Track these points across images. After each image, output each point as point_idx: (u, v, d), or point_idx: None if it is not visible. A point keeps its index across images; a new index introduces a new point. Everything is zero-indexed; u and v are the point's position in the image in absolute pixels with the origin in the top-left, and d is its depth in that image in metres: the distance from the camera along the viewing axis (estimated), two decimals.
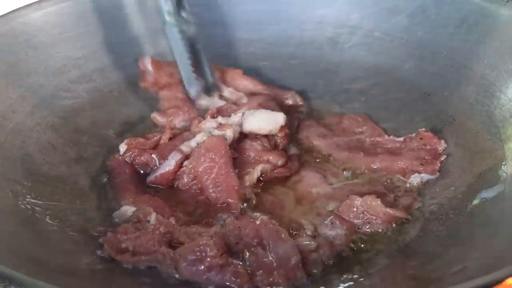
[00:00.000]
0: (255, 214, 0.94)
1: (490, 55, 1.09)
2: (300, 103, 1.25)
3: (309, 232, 0.92)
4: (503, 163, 0.96)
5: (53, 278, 0.77)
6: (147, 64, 1.25)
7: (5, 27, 1.10)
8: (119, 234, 0.89)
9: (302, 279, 0.85)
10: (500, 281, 0.65)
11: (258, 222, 0.90)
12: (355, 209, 0.95)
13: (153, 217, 0.91)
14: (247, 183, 1.03)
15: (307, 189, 1.04)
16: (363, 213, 0.95)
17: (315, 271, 0.87)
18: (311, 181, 1.06)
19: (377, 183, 1.05)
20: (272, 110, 1.14)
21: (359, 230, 0.95)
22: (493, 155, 0.99)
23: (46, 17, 1.15)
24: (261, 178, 1.06)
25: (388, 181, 1.06)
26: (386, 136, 1.15)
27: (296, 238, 0.90)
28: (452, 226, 0.92)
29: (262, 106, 1.16)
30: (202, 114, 1.19)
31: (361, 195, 0.97)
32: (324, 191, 1.03)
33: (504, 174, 0.95)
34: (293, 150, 1.14)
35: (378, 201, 0.94)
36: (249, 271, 0.84)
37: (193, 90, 1.18)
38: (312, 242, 0.89)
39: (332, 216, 0.95)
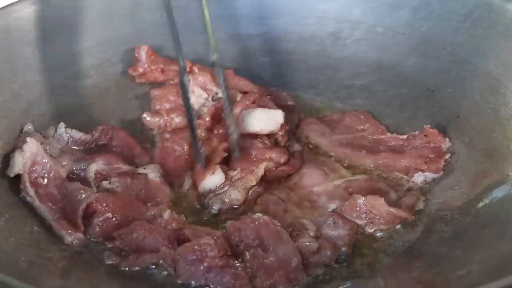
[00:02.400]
0: (257, 214, 0.93)
1: (495, 50, 1.08)
2: (293, 104, 1.23)
3: (311, 233, 0.91)
4: (510, 162, 0.95)
5: (48, 282, 0.76)
6: (142, 53, 1.24)
7: (1, 22, 1.08)
8: (133, 226, 0.89)
9: (303, 280, 0.84)
10: None
11: (259, 223, 0.89)
12: (358, 208, 0.95)
13: (167, 213, 0.92)
14: (253, 182, 1.01)
15: (309, 188, 1.03)
16: (366, 212, 0.94)
17: (317, 272, 0.86)
18: (312, 180, 1.05)
19: (380, 181, 1.04)
20: (269, 107, 1.12)
21: (362, 230, 0.94)
22: (499, 154, 0.98)
23: (41, 12, 1.14)
24: (265, 180, 1.05)
25: (391, 179, 1.05)
26: (388, 133, 1.14)
27: (298, 239, 0.89)
28: (457, 226, 0.91)
29: (258, 103, 1.14)
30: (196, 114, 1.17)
31: (363, 193, 0.96)
32: (326, 189, 1.03)
33: (510, 173, 0.93)
34: (296, 147, 1.13)
35: (382, 200, 0.94)
36: (249, 273, 0.83)
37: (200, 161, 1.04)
38: (314, 243, 0.88)
39: (335, 216, 0.94)
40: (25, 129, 1.03)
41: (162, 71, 1.25)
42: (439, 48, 1.17)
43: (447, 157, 1.05)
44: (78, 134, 1.06)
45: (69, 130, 1.06)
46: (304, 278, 0.84)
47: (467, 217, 0.91)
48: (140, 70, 1.24)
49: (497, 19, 1.10)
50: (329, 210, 0.98)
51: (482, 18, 1.12)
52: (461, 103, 1.10)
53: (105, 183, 0.99)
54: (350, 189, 1.01)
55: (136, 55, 1.24)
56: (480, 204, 0.92)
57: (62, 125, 1.06)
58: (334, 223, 0.93)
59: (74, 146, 1.05)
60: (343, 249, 0.90)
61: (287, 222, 0.95)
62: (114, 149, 1.07)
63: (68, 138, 1.05)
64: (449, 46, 1.15)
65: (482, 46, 1.10)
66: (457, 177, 1.01)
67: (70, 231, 0.88)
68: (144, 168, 1.04)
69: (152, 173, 1.03)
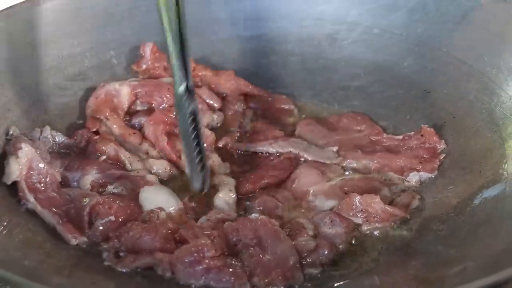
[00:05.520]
0: (254, 215, 0.93)
1: (490, 52, 1.09)
2: (291, 107, 1.24)
3: (310, 232, 0.91)
4: (504, 161, 0.96)
5: (49, 279, 0.77)
6: (147, 50, 1.24)
7: (1, 24, 1.09)
8: (129, 226, 0.90)
9: (300, 279, 0.84)
10: (500, 283, 0.65)
11: (257, 223, 0.90)
12: (354, 207, 0.95)
13: (163, 213, 0.93)
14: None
15: (305, 187, 1.03)
16: (362, 211, 0.95)
17: (314, 271, 0.86)
18: (309, 179, 1.05)
19: (375, 180, 1.05)
20: None
21: (358, 229, 0.94)
22: (494, 153, 0.98)
23: (42, 14, 1.14)
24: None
25: (387, 178, 1.05)
26: (384, 134, 1.15)
27: (296, 238, 0.90)
28: (452, 225, 0.92)
29: None
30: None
31: (359, 192, 0.97)
32: (322, 189, 1.03)
33: (505, 172, 0.94)
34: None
35: (377, 199, 0.94)
36: (247, 272, 0.84)
37: (197, 183, 1.01)
38: (311, 242, 0.89)
39: (331, 214, 0.95)
40: (11, 132, 1.01)
41: (165, 68, 1.25)
42: (435, 49, 1.18)
43: (441, 157, 1.05)
44: (62, 138, 1.06)
45: (54, 132, 1.05)
46: (301, 276, 0.84)
47: (462, 216, 0.92)
48: (144, 66, 1.25)
49: (492, 21, 1.11)
50: (325, 209, 0.98)
51: (477, 19, 1.13)
52: (456, 103, 1.11)
53: (110, 188, 0.99)
54: (346, 188, 1.02)
55: (141, 51, 1.25)
56: (475, 203, 0.92)
57: (47, 127, 1.05)
58: (331, 221, 0.94)
59: (59, 149, 1.05)
60: (341, 247, 0.91)
61: (285, 222, 0.95)
62: (90, 155, 1.06)
63: (53, 141, 1.04)
64: (444, 47, 1.16)
65: (477, 48, 1.11)
66: (452, 177, 1.02)
67: (75, 235, 0.89)
68: (137, 172, 1.04)
69: (149, 175, 1.04)
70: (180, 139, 0.98)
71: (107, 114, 1.12)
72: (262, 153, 1.12)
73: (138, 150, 1.10)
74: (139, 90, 1.17)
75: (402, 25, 1.23)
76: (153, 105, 1.17)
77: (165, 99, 1.17)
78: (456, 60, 1.14)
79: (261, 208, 0.99)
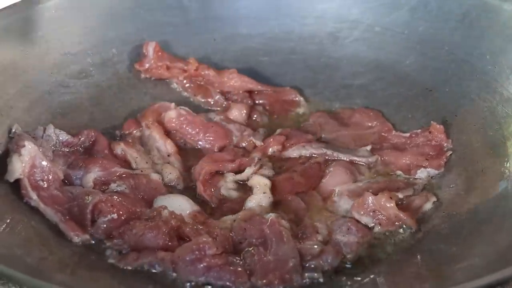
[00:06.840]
0: (270, 214, 0.93)
1: (492, 50, 1.09)
2: (297, 99, 1.25)
3: (320, 237, 0.90)
4: (506, 159, 0.96)
5: (51, 276, 0.77)
6: (150, 49, 1.25)
7: (3, 22, 1.09)
8: (132, 224, 0.90)
9: (298, 282, 0.83)
10: (504, 281, 0.65)
11: (265, 222, 0.89)
12: (366, 206, 0.94)
13: (165, 211, 0.92)
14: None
15: (331, 187, 1.02)
16: (373, 211, 0.94)
17: (314, 276, 0.84)
18: (336, 179, 1.04)
19: (399, 182, 1.03)
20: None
21: (371, 233, 0.93)
22: (495, 152, 0.99)
23: (43, 11, 1.14)
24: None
25: (410, 180, 1.04)
26: (393, 131, 1.15)
27: (305, 241, 0.89)
28: (454, 223, 0.92)
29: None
30: None
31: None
32: (348, 189, 1.01)
33: (506, 171, 0.94)
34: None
35: (392, 204, 0.93)
36: (248, 271, 0.83)
37: None
38: (316, 247, 0.87)
39: (350, 223, 0.93)
40: (14, 130, 1.00)
41: (167, 68, 1.25)
42: (437, 47, 1.18)
43: (448, 154, 1.05)
44: (65, 137, 1.05)
45: (57, 131, 1.04)
46: (299, 280, 0.82)
47: (464, 214, 0.92)
48: (146, 65, 1.25)
49: (494, 19, 1.11)
50: (345, 211, 0.97)
51: (479, 18, 1.13)
52: (458, 102, 1.11)
53: (113, 186, 0.99)
54: (371, 190, 0.99)
55: (144, 50, 1.25)
56: (477, 201, 0.92)
57: (51, 126, 1.04)
58: (348, 229, 0.92)
59: (62, 148, 1.04)
60: (348, 256, 0.88)
61: (302, 224, 0.94)
62: (95, 154, 1.06)
63: (56, 140, 1.04)
64: (447, 45, 1.17)
65: (479, 46, 1.11)
66: (454, 175, 1.02)
67: (77, 232, 0.89)
68: (141, 171, 1.04)
69: (153, 174, 1.04)
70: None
71: (149, 121, 1.14)
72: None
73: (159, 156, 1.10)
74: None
75: (404, 24, 1.23)
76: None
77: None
78: (458, 58, 1.14)
79: (285, 208, 0.99)
